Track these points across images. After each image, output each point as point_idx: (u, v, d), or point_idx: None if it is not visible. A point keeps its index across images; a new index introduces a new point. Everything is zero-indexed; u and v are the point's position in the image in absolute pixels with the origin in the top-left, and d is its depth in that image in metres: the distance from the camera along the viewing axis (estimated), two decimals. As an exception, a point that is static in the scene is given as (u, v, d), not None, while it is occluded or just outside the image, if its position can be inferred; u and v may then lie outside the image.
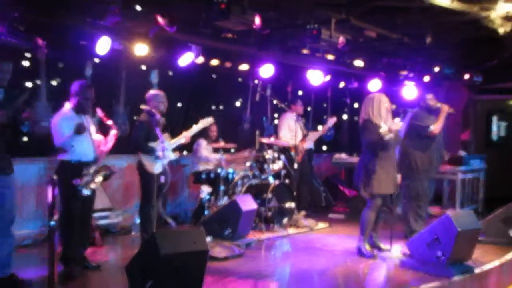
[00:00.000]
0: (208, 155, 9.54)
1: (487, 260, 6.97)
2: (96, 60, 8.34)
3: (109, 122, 6.63)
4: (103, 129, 6.74)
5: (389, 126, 6.84)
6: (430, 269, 6.39)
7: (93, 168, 6.22)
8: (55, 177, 5.20)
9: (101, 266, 6.61)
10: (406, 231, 8.21)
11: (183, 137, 7.60)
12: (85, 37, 7.62)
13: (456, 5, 7.45)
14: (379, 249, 7.40)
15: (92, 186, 6.19)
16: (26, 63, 7.92)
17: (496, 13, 7.78)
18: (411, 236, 7.40)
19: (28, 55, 7.86)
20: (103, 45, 7.61)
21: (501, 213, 8.17)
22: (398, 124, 7.05)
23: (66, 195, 6.12)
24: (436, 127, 8.10)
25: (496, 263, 6.91)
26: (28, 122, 7.42)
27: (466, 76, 11.54)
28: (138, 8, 7.28)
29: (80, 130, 6.10)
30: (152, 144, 7.11)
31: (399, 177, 7.24)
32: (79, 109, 6.37)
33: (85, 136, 6.28)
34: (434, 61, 10.88)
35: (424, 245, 6.49)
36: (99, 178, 6.24)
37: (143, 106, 7.34)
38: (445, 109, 8.25)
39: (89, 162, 6.29)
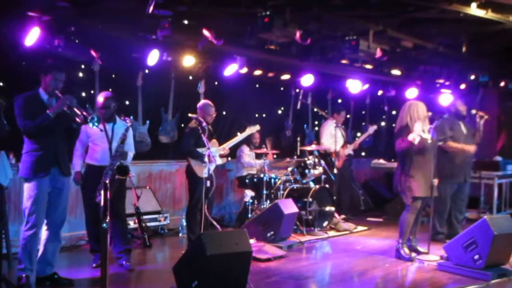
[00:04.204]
0: (251, 161, 9.55)
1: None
2: (146, 70, 8.43)
3: None
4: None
5: (416, 131, 6.67)
6: (467, 272, 6.25)
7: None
8: (107, 181, 5.18)
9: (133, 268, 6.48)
10: (432, 233, 7.96)
11: (230, 144, 7.66)
12: (137, 49, 7.73)
13: (490, 15, 7.28)
14: (417, 252, 7.25)
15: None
16: (81, 74, 8.05)
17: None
18: (447, 239, 7.24)
19: (83, 66, 7.99)
20: (153, 57, 7.71)
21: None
22: (426, 128, 6.90)
23: (85, 197, 6.48)
24: (450, 145, 7.97)
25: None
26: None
27: (502, 84, 11.32)
28: (186, 22, 7.34)
29: None
30: (200, 150, 7.14)
31: (436, 181, 7.07)
32: (103, 119, 6.25)
33: (100, 142, 6.24)
34: (470, 69, 10.67)
35: (461, 248, 6.36)
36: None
37: (191, 114, 7.36)
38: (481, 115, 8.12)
39: (104, 167, 6.15)
